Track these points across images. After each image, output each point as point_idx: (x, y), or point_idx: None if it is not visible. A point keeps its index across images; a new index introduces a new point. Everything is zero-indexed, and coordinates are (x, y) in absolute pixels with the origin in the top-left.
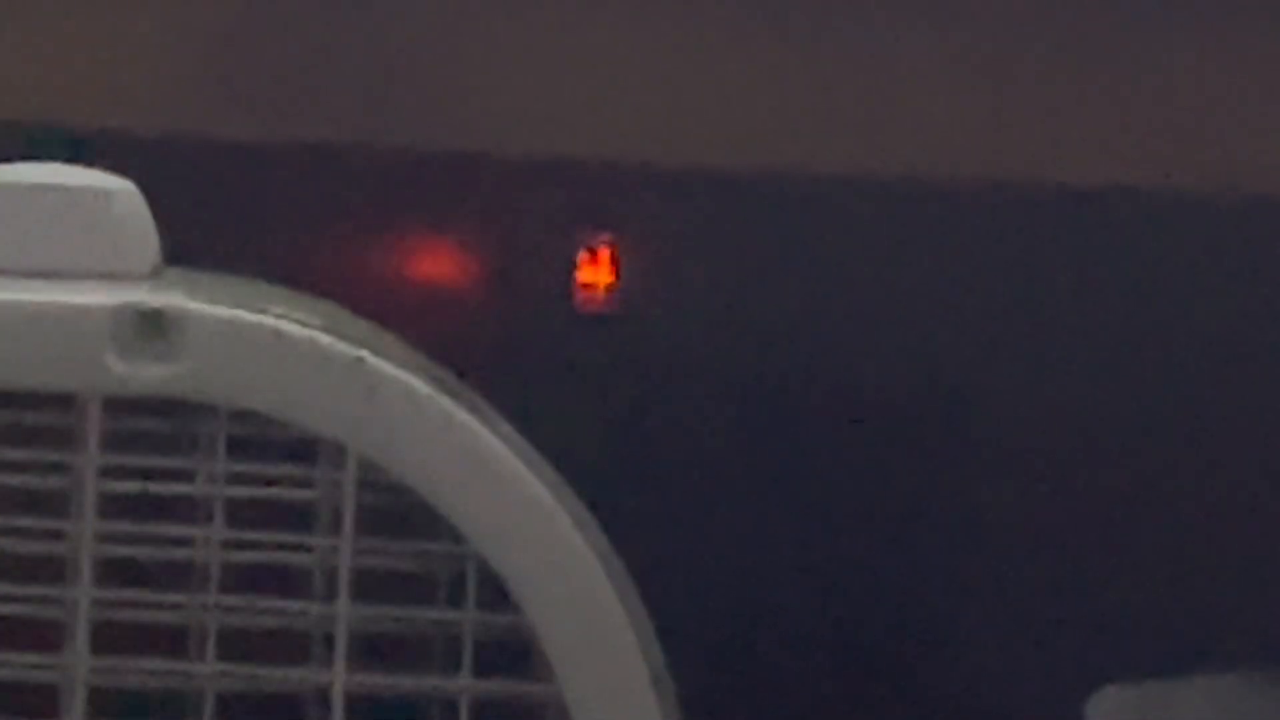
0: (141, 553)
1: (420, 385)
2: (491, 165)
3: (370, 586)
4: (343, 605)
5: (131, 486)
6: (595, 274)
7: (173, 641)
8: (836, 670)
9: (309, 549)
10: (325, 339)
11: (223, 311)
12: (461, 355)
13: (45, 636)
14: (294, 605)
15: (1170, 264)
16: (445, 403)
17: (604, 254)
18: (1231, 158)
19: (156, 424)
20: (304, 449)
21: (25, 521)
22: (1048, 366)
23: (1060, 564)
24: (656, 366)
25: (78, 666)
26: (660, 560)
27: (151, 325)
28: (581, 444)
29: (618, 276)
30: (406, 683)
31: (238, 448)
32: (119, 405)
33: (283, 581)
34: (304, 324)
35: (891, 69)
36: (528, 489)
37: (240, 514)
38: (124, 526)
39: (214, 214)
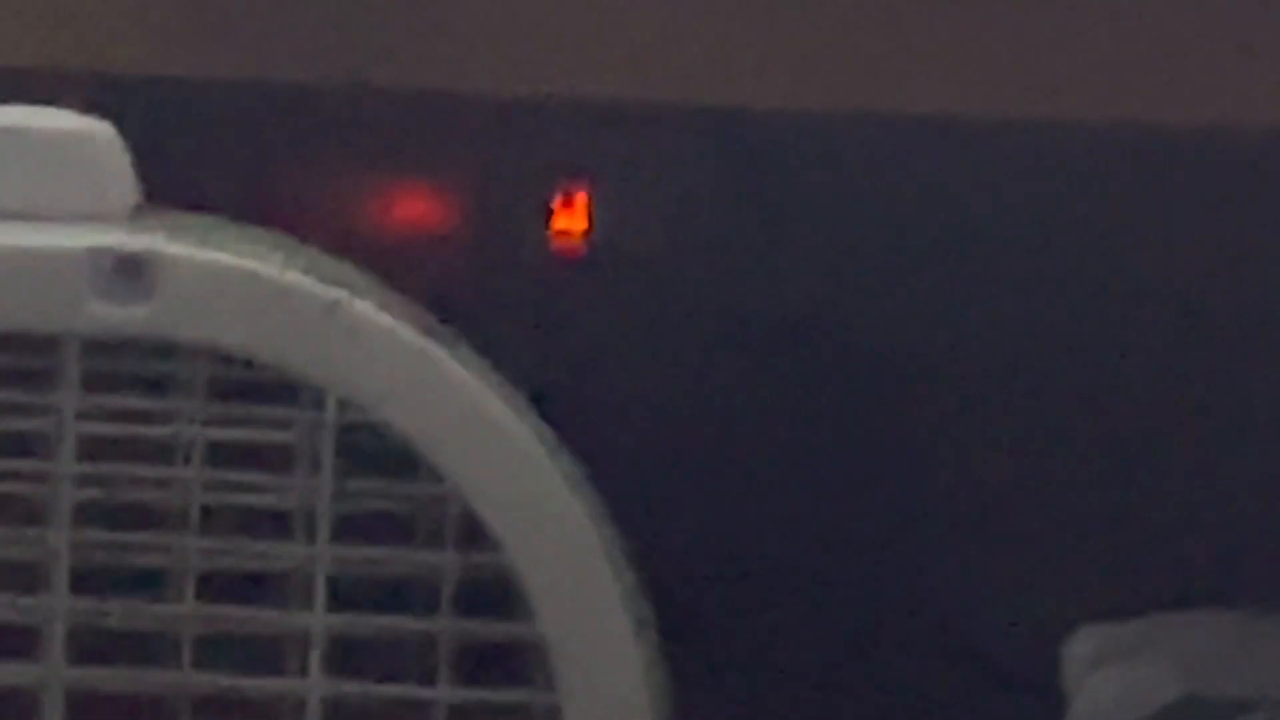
0: (120, 495)
1: (399, 327)
2: (469, 110)
3: (349, 528)
4: (322, 547)
5: (110, 429)
6: (570, 220)
7: (151, 583)
8: (814, 608)
9: (288, 491)
10: (304, 281)
11: (202, 254)
12: (438, 299)
13: (24, 580)
14: (274, 547)
15: (1167, 203)
16: (424, 344)
17: (579, 200)
18: (1239, 95)
19: (135, 366)
20: (283, 391)
21: (2, 465)
22: (1039, 305)
23: (1036, 507)
24: (631, 311)
25: (57, 608)
26: (638, 499)
27: (130, 267)
28: (557, 388)
29: (592, 223)
30: (386, 624)
31: (216, 389)
32: (97, 348)
33: (262, 524)
34: (283, 266)
35: (870, 4)
36: (508, 429)
37: (219, 456)
38: (103, 469)
39: (191, 155)
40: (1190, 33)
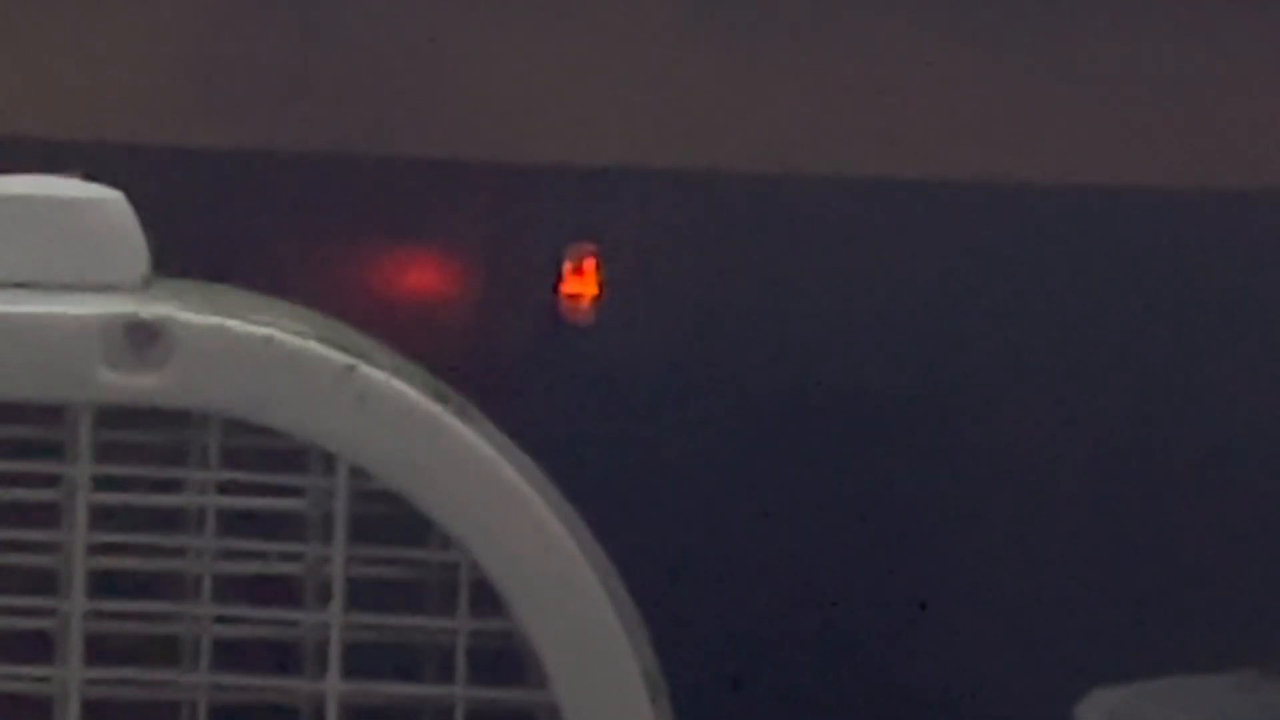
0: (134, 564)
1: (410, 393)
2: (479, 178)
3: (362, 594)
4: (335, 613)
5: (123, 497)
6: (580, 285)
7: (166, 651)
8: (827, 673)
9: (301, 557)
10: (316, 348)
11: (213, 321)
12: (449, 364)
13: (38, 648)
14: (287, 615)
15: (1169, 261)
16: (436, 410)
17: (588, 266)
18: (1231, 155)
19: (148, 435)
20: (295, 458)
21: (17, 534)
22: (1043, 367)
23: (1050, 568)
24: (641, 375)
25: (71, 678)
26: (650, 564)
27: (142, 336)
28: (568, 452)
29: (602, 288)
30: (400, 690)
31: (229, 457)
32: (110, 416)
33: (275, 590)
34: (294, 333)
35: (877, 74)
36: (519, 495)
37: (232, 523)
38: (116, 537)
39: (202, 223)
40: (1194, 100)
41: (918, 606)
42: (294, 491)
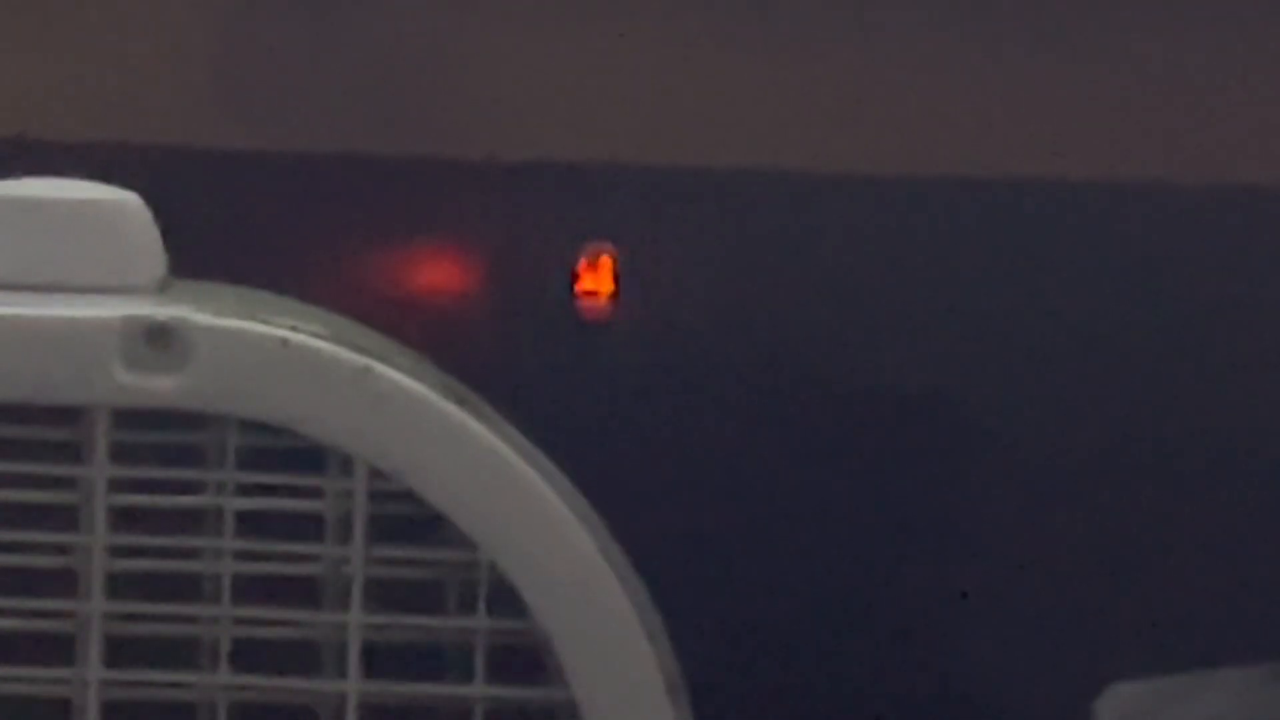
0: (152, 565)
1: (428, 393)
2: (494, 175)
3: (381, 595)
4: (355, 614)
5: (141, 499)
6: (596, 282)
7: (185, 654)
8: (842, 670)
9: (319, 558)
10: (332, 348)
11: (230, 323)
12: (465, 363)
13: (57, 651)
14: (306, 615)
15: (1169, 258)
16: (453, 410)
17: (605, 263)
18: (1229, 152)
19: (165, 436)
20: (313, 459)
21: (36, 536)
22: (1048, 365)
23: (1068, 561)
24: (658, 373)
25: (90, 679)
26: (669, 563)
27: (159, 337)
28: (585, 451)
29: (618, 285)
30: (420, 691)
31: (247, 458)
32: (128, 418)
33: (294, 592)
34: (311, 334)
35: (889, 70)
36: (538, 495)
37: (250, 524)
38: (135, 539)
39: (218, 225)
40: (1190, 92)
41: (934, 603)
42: (312, 492)
